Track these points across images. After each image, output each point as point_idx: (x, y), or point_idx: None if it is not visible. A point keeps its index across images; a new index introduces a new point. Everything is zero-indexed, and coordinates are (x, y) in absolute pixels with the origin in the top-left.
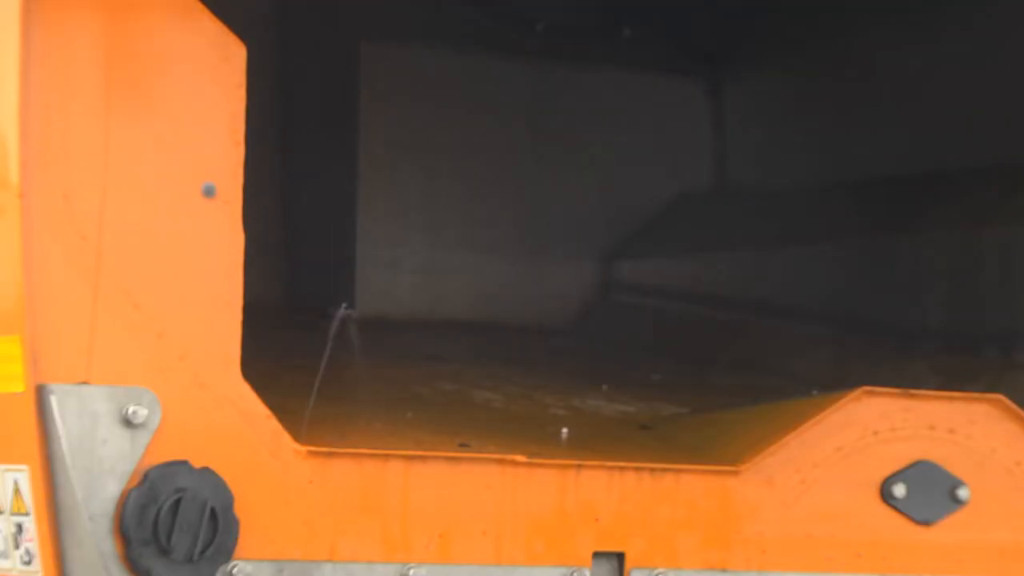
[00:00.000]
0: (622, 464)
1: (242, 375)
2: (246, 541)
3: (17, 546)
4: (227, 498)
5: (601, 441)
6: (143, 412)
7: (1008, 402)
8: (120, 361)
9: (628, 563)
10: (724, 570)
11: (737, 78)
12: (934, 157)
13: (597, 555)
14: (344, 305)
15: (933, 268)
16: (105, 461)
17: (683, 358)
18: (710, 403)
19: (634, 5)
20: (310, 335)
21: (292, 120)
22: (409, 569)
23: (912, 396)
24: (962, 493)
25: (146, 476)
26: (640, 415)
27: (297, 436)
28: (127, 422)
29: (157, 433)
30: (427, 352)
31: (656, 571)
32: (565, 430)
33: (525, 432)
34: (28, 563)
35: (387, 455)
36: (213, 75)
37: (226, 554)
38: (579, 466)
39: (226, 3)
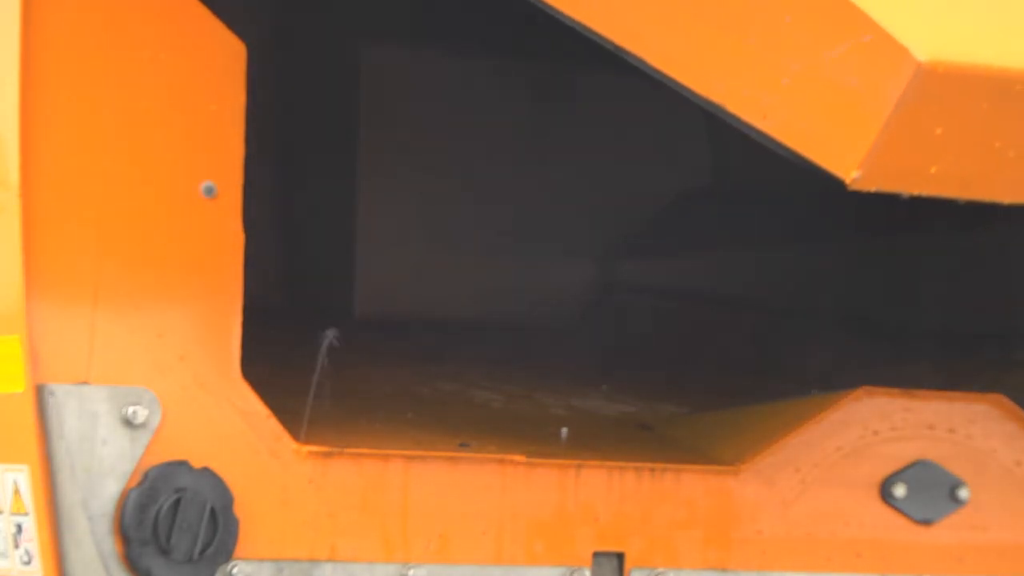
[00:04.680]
0: (622, 464)
1: (242, 375)
2: (246, 541)
3: (16, 546)
4: (227, 498)
5: (601, 441)
6: (143, 412)
7: (1008, 402)
8: (120, 361)
9: (628, 563)
10: (724, 570)
11: None
12: None
13: (597, 555)
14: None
15: (933, 268)
16: (105, 461)
17: (684, 358)
18: (710, 403)
19: None
20: (310, 335)
21: (292, 120)
22: (409, 569)
23: (912, 396)
24: (962, 493)
25: (146, 476)
26: (640, 415)
27: (297, 436)
28: (127, 422)
29: (157, 433)
30: (427, 352)
31: (656, 571)
32: (565, 430)
33: (525, 432)
34: (28, 563)
35: (387, 455)
36: (213, 75)
37: (226, 554)
38: (579, 466)
39: (226, 3)
